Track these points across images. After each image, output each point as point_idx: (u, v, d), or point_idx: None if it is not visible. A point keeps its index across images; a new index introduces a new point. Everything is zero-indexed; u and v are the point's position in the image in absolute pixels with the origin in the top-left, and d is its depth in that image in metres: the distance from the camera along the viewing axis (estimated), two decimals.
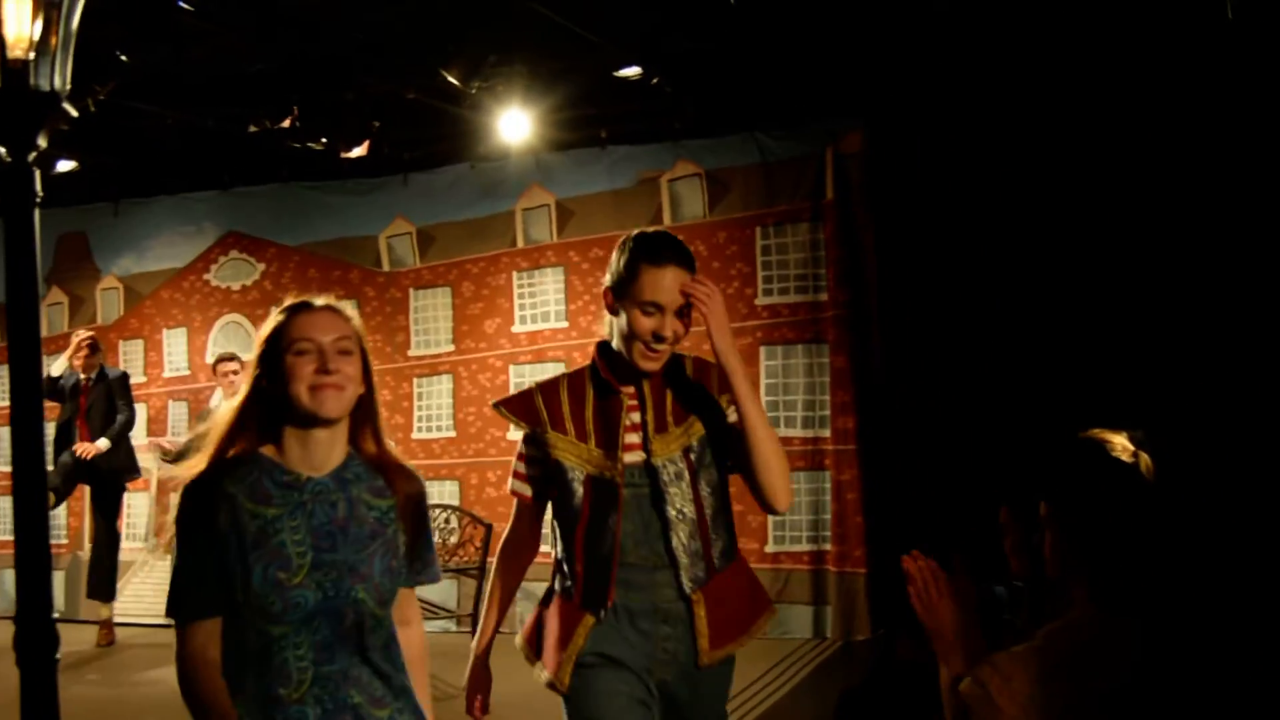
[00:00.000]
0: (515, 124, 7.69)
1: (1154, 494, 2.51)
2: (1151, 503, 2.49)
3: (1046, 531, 2.57)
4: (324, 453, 2.61)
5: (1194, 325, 6.80)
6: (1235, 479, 5.96)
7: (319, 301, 2.63)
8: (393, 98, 7.70)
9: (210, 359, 9.45)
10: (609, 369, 3.18)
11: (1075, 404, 6.65)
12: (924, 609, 2.62)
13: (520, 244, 9.22)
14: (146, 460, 9.43)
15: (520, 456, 3.27)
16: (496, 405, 3.33)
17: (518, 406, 3.26)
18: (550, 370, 9.02)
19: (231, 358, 8.66)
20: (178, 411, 10.15)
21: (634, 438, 3.16)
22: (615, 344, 3.16)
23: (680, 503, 3.13)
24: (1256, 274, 6.66)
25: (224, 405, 2.79)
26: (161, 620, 3.43)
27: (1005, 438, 6.82)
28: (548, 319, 9.15)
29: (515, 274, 9.24)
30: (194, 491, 2.52)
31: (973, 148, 7.52)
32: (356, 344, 2.62)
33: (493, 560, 3.45)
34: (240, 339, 9.93)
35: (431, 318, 9.51)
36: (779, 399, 8.42)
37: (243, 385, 2.61)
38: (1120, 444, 3.34)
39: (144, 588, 9.77)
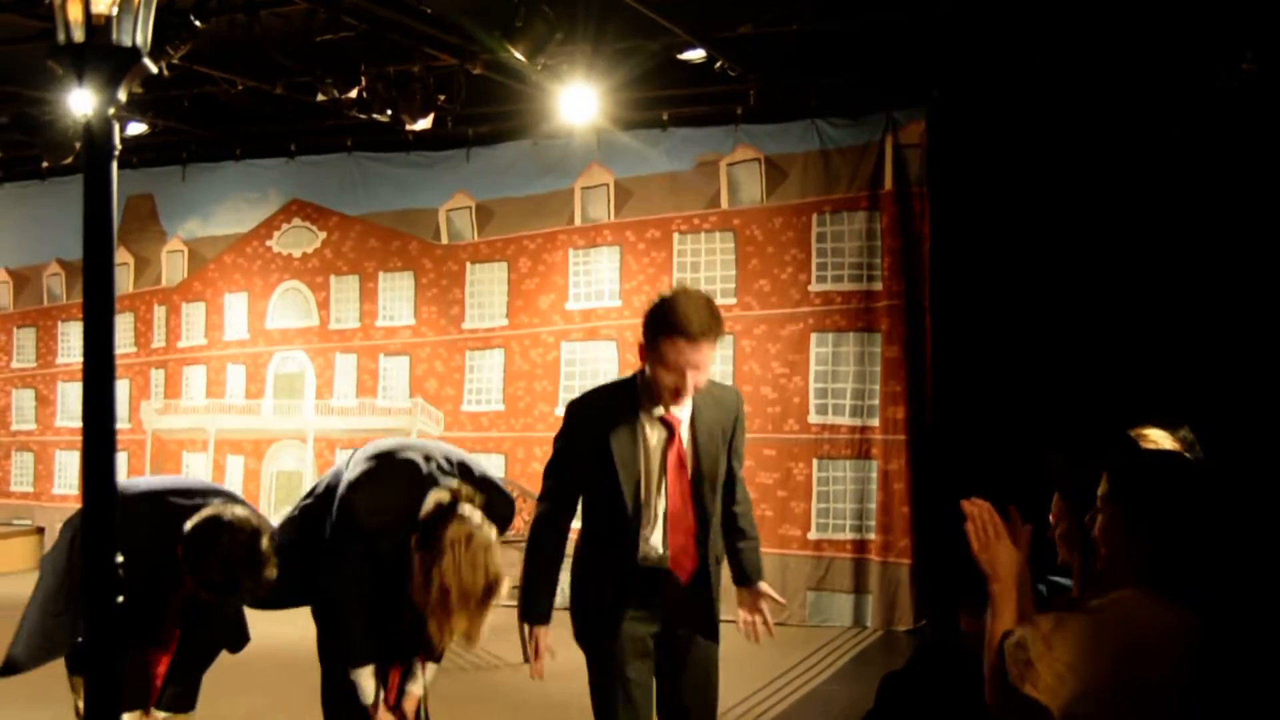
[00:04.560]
0: (579, 102, 7.73)
1: (1214, 486, 2.55)
2: (1213, 493, 2.53)
3: (1101, 515, 2.56)
4: None
5: (1255, 321, 6.74)
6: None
7: None
8: (459, 72, 7.75)
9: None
10: None
11: (1125, 398, 6.62)
12: (980, 546, 2.59)
13: (578, 222, 9.27)
14: (203, 420, 9.42)
15: None
16: None
17: None
18: (601, 349, 9.09)
19: None
20: (235, 375, 10.30)
21: None
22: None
23: None
24: None
25: None
26: None
27: (1056, 430, 6.79)
28: (601, 297, 9.19)
29: (571, 251, 9.29)
30: None
31: (1035, 141, 7.48)
32: None
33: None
34: (299, 306, 10.06)
35: (487, 292, 9.57)
36: (828, 386, 8.44)
37: None
38: (1173, 441, 3.35)
39: None
